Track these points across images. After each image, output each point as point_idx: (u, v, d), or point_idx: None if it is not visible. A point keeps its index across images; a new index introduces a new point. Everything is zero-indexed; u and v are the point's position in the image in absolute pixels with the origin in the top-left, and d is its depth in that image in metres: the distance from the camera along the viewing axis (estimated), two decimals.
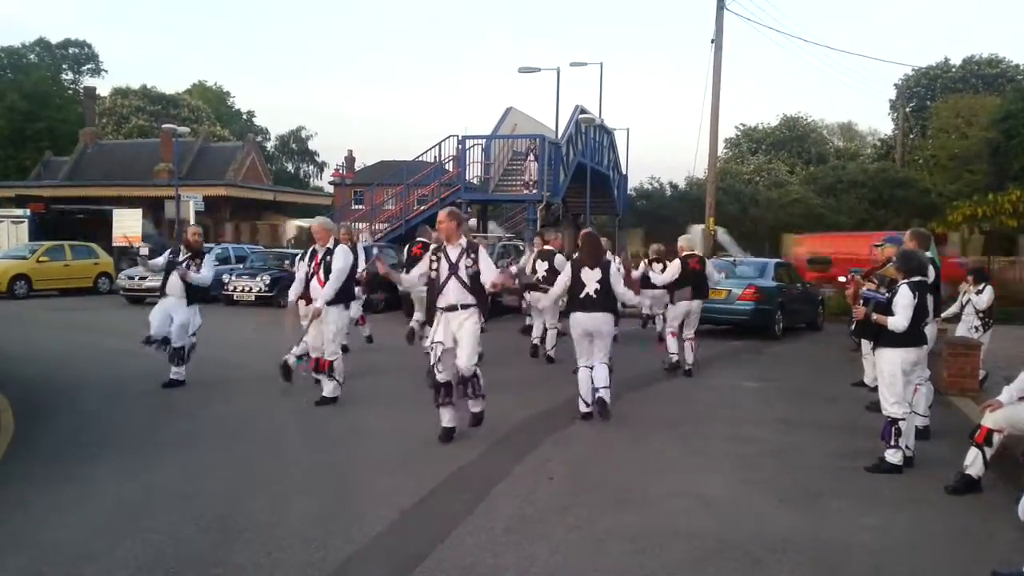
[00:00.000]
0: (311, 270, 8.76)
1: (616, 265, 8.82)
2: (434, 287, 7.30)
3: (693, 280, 11.32)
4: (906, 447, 6.62)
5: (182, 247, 9.97)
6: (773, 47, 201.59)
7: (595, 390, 8.18)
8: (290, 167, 74.21)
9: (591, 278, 8.25)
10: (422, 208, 24.76)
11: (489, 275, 7.24)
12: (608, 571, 4.59)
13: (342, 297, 8.84)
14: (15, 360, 11.60)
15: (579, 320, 8.29)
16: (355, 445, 7.32)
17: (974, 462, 5.99)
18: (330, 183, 59.27)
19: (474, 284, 7.22)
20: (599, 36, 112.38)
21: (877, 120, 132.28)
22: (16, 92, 52.13)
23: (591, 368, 8.27)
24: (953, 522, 5.54)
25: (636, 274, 11.53)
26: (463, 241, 7.33)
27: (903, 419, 6.54)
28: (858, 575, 4.67)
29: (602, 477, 6.41)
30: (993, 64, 48.10)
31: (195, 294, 9.92)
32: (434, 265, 7.30)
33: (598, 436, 7.78)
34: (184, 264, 9.74)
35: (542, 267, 12.11)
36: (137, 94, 59.60)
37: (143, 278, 21.57)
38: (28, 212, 29.40)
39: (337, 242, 8.99)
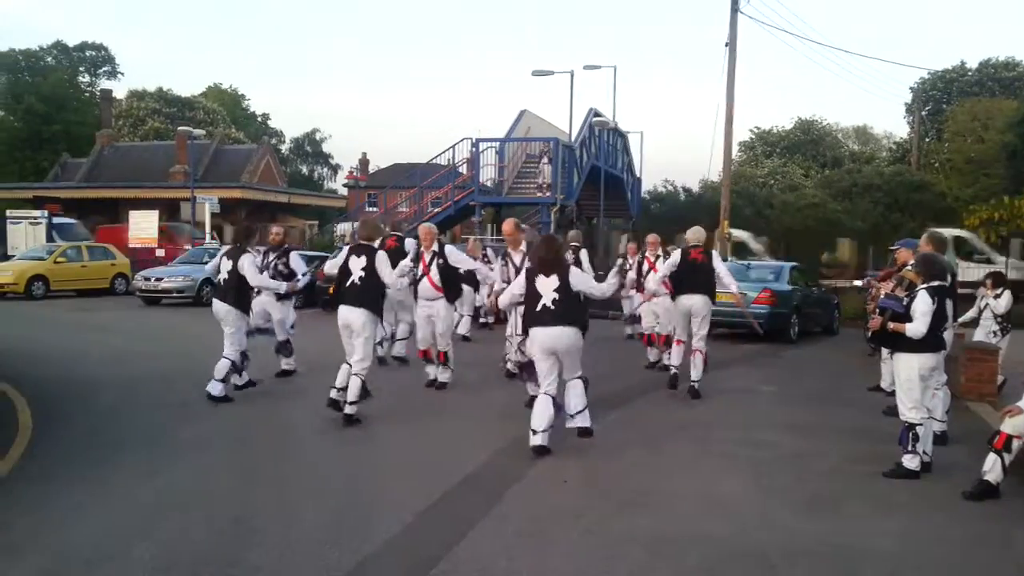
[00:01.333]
0: (421, 271, 9.65)
1: (586, 264, 9.31)
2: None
3: (693, 273, 9.77)
4: (923, 452, 6.57)
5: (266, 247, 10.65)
6: (787, 50, 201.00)
7: (571, 417, 7.31)
8: (304, 169, 74.51)
9: (547, 287, 7.08)
10: (436, 210, 24.80)
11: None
12: (623, 575, 4.58)
13: (453, 294, 10.03)
14: (33, 360, 11.67)
15: (537, 337, 7.12)
16: (369, 448, 7.33)
17: (993, 468, 5.95)
18: (344, 185, 59.55)
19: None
20: (613, 39, 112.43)
21: (893, 123, 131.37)
22: (33, 94, 52.52)
23: (551, 396, 7.09)
24: (971, 528, 5.49)
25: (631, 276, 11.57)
26: (524, 247, 9.00)
27: (920, 424, 6.50)
28: None
29: (616, 480, 6.40)
30: (1010, 67, 47.76)
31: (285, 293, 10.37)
32: (504, 271, 9.39)
33: (612, 439, 7.75)
34: (273, 264, 10.37)
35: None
36: (153, 97, 59.89)
37: (159, 279, 21.71)
38: (46, 213, 29.59)
39: (442, 244, 10.00)
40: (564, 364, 7.20)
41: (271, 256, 10.44)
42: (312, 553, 4.76)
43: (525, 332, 7.37)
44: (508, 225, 9.38)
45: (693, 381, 9.75)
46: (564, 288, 7.05)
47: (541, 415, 6.96)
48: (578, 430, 7.37)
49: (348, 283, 8.11)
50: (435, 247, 9.70)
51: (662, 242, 12.37)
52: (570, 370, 7.28)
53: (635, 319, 13.44)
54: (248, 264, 8.96)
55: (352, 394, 7.93)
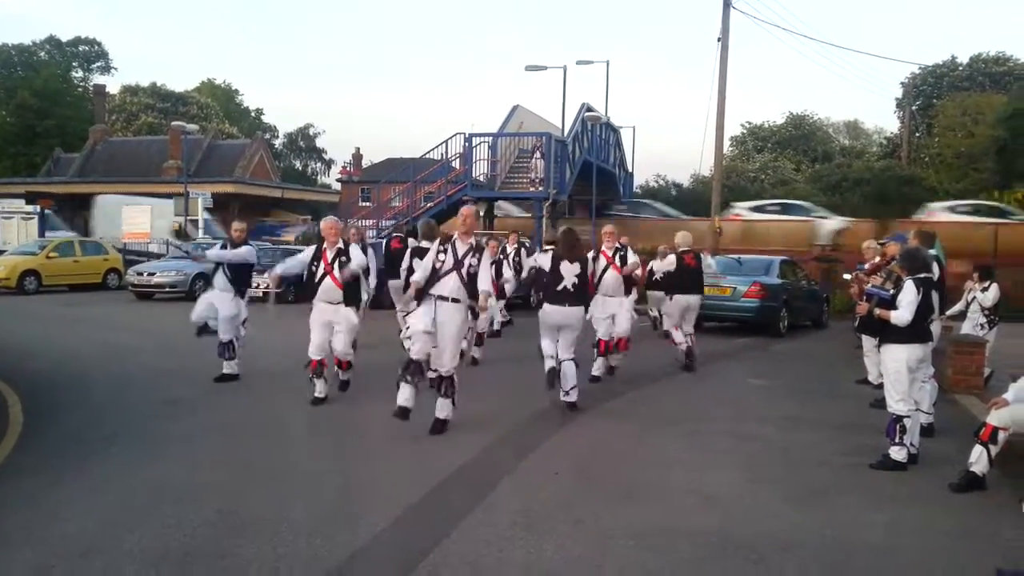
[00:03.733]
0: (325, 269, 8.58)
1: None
2: (434, 274, 7.43)
3: (689, 276, 11.35)
4: (911, 444, 6.63)
5: (230, 241, 10.06)
6: (779, 45, 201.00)
7: (565, 392, 8.46)
8: (298, 164, 74.30)
9: (570, 272, 8.42)
10: (429, 205, 24.77)
11: (484, 284, 7.41)
12: (613, 567, 4.62)
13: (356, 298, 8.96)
14: (25, 355, 11.66)
15: (549, 313, 8.49)
16: (360, 441, 7.35)
17: (979, 459, 6.01)
18: (337, 180, 59.36)
19: (471, 283, 7.39)
20: (605, 34, 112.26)
21: (883, 118, 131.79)
22: (27, 89, 52.32)
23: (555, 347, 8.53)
24: (958, 519, 5.54)
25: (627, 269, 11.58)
26: (472, 240, 7.57)
27: (908, 416, 6.56)
28: (863, 572, 4.69)
29: (607, 473, 6.43)
30: (1000, 62, 47.86)
31: (241, 286, 9.88)
32: (441, 256, 7.45)
33: (603, 432, 7.80)
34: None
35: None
36: (146, 92, 59.76)
37: (152, 274, 21.69)
38: (38, 208, 29.52)
39: (346, 242, 8.90)
40: (564, 337, 8.44)
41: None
42: (303, 545, 4.78)
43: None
44: (468, 210, 7.82)
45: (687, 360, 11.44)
46: (583, 274, 8.47)
47: (570, 376, 8.41)
48: (568, 404, 8.46)
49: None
50: (339, 244, 8.64)
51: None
52: (568, 348, 8.46)
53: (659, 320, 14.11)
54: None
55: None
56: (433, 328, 7.27)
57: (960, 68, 48.61)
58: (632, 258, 10.50)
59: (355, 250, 8.69)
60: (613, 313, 10.16)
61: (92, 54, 63.30)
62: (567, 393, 8.47)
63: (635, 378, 10.67)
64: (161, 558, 4.59)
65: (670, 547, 4.89)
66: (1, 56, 57.28)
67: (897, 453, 6.56)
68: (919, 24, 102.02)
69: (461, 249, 7.44)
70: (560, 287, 8.40)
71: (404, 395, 7.28)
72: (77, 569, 4.47)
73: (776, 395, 9.97)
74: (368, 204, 31.14)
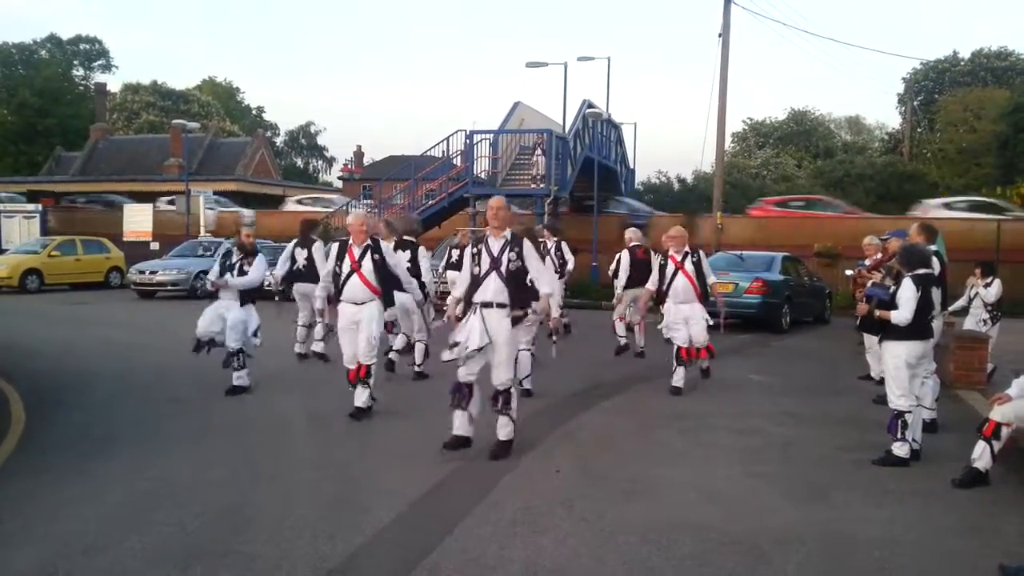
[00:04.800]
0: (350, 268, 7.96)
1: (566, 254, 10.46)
2: (474, 281, 6.70)
3: (640, 270, 11.70)
4: (913, 440, 6.62)
5: (235, 248, 9.37)
6: (780, 41, 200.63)
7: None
8: (299, 162, 74.29)
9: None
10: (430, 202, 24.75)
11: (544, 283, 6.69)
12: (615, 563, 4.62)
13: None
14: (27, 353, 11.68)
15: None
16: (362, 439, 7.35)
17: (982, 455, 6.00)
18: (339, 178, 59.46)
19: (516, 282, 6.61)
20: (607, 31, 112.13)
21: (885, 114, 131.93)
22: (27, 88, 52.30)
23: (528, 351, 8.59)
24: (960, 515, 5.54)
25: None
26: (508, 233, 6.68)
27: (909, 412, 6.55)
28: (864, 568, 4.68)
29: (608, 469, 6.43)
30: (1002, 57, 47.81)
31: (248, 293, 9.27)
32: (475, 259, 6.71)
33: (604, 428, 7.80)
34: (237, 265, 9.18)
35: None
36: (147, 90, 59.71)
37: (153, 272, 21.70)
38: (40, 207, 29.53)
39: (376, 239, 8.24)
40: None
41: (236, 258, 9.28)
42: (305, 543, 4.79)
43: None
44: (498, 201, 6.81)
45: (641, 347, 12.27)
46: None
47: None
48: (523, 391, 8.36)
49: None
50: (368, 240, 8.03)
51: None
52: (524, 335, 8.21)
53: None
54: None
55: (418, 356, 9.45)
56: (486, 342, 6.49)
57: (962, 63, 48.57)
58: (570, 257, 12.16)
59: (388, 248, 8.22)
60: (686, 317, 9.59)
61: (93, 52, 63.25)
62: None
63: (635, 375, 10.67)
64: (163, 556, 4.59)
65: (672, 543, 4.88)
66: (2, 55, 57.22)
67: (899, 449, 6.56)
68: (921, 19, 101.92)
69: (495, 246, 6.60)
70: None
71: (458, 423, 6.71)
72: (79, 567, 4.47)
73: (778, 391, 9.96)
74: (369, 201, 31.09)
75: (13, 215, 28.80)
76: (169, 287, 21.44)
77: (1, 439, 7.09)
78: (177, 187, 33.20)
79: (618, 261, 12.50)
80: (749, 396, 9.66)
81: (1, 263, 23.09)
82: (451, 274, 11.91)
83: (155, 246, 26.92)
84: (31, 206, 29.91)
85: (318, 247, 11.08)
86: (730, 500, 5.73)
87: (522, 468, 6.40)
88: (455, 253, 13.02)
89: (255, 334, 9.21)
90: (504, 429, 6.69)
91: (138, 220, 28.94)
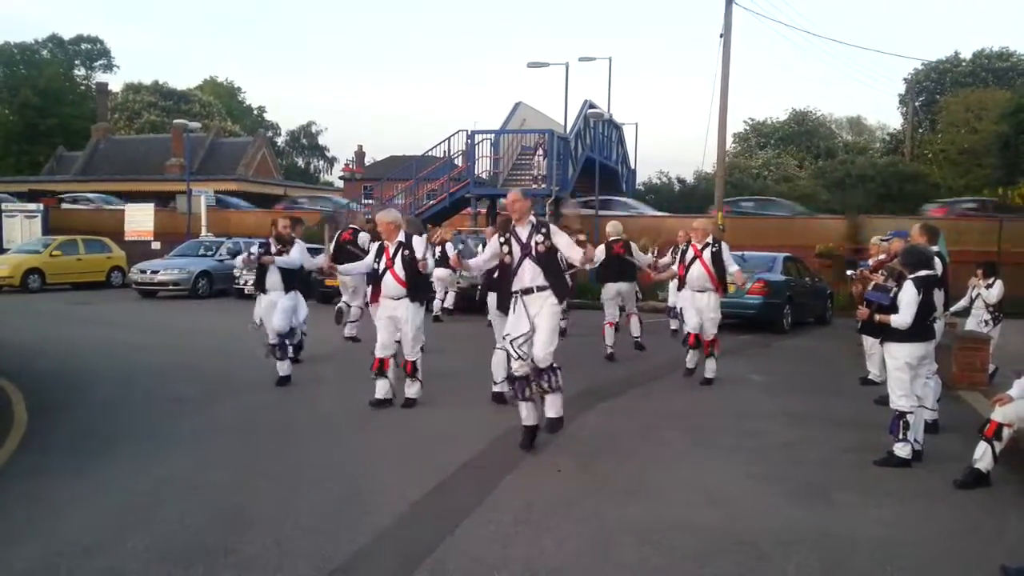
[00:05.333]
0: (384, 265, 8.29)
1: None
2: (507, 271, 6.93)
3: (617, 264, 11.71)
4: (914, 441, 6.62)
5: (271, 239, 9.88)
6: (782, 41, 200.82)
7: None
8: (300, 162, 74.27)
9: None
10: (431, 203, 24.78)
11: (571, 252, 6.87)
12: (615, 563, 4.62)
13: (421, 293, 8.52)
14: (28, 353, 11.68)
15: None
16: (364, 438, 7.36)
17: (983, 456, 6.00)
18: (340, 178, 59.33)
19: (548, 262, 6.83)
20: (608, 31, 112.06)
21: (886, 114, 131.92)
22: (29, 88, 52.35)
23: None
24: (961, 516, 5.54)
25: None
26: (532, 219, 6.96)
27: (911, 412, 6.55)
28: (866, 569, 4.68)
29: (610, 470, 6.43)
30: (1004, 58, 47.77)
31: (292, 282, 9.81)
32: (505, 248, 6.92)
33: (605, 429, 7.80)
34: (276, 253, 9.72)
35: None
36: (149, 90, 59.75)
37: (155, 272, 21.72)
38: (41, 207, 29.55)
39: (408, 235, 8.41)
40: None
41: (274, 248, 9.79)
42: (306, 543, 4.79)
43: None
44: (512, 195, 7.11)
45: (636, 337, 12.26)
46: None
47: (499, 366, 7.51)
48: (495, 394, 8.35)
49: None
50: (400, 237, 8.29)
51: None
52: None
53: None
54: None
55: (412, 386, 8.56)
56: (530, 328, 6.69)
57: (963, 64, 48.53)
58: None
59: (418, 243, 8.32)
60: (700, 308, 10.19)
61: (94, 52, 63.33)
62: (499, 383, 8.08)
63: (637, 375, 10.67)
64: (165, 555, 4.60)
65: (672, 543, 4.89)
66: (4, 54, 57.30)
67: (901, 450, 6.56)
68: (922, 19, 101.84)
69: (523, 234, 6.84)
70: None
71: (525, 414, 6.87)
72: (81, 566, 4.48)
73: (779, 392, 9.96)
74: (371, 201, 31.10)
75: (15, 214, 28.83)
76: (171, 287, 21.46)
77: (3, 439, 7.09)
78: (178, 187, 33.26)
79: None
80: (750, 396, 9.66)
81: (3, 262, 23.10)
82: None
83: (156, 245, 26.97)
84: (32, 205, 29.94)
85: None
86: (731, 500, 5.73)
87: (523, 468, 6.40)
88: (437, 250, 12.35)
89: (304, 321, 10.10)
90: (554, 407, 6.78)
91: (139, 220, 28.97)
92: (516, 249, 6.85)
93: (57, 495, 5.66)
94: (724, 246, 10.35)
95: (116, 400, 8.86)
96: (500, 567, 4.53)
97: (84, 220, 30.87)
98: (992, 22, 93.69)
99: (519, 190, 7.26)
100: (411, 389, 8.47)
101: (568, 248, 6.89)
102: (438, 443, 7.10)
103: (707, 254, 10.10)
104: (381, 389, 8.37)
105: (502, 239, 6.95)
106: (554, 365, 6.72)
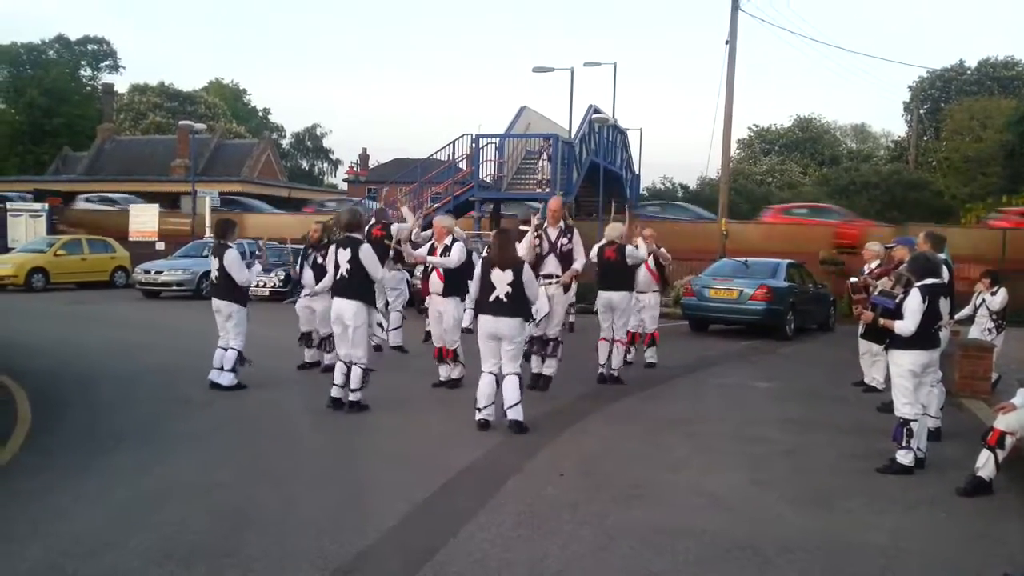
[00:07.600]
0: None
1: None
2: (538, 258, 9.13)
3: (609, 271, 10.09)
4: (918, 448, 6.61)
5: (307, 247, 10.62)
6: (787, 48, 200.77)
7: (505, 410, 7.58)
8: (305, 164, 74.41)
9: (501, 280, 7.58)
10: (435, 206, 24.77)
11: (577, 262, 9.42)
12: (617, 567, 4.62)
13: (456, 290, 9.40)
14: (33, 352, 11.70)
15: (485, 324, 7.67)
16: (367, 440, 7.36)
17: (986, 464, 6.00)
18: (344, 180, 59.44)
19: (566, 260, 9.31)
20: (613, 36, 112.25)
21: (891, 122, 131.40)
22: (35, 88, 52.46)
23: (495, 375, 7.66)
24: (964, 524, 5.54)
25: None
26: (562, 223, 9.36)
27: (915, 420, 6.54)
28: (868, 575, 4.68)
29: (612, 473, 6.44)
30: (1009, 66, 47.82)
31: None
32: (536, 241, 9.14)
33: (608, 433, 7.81)
34: (312, 257, 10.25)
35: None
36: (155, 91, 59.90)
37: (159, 272, 21.73)
38: (46, 206, 29.61)
39: (455, 237, 9.56)
40: (505, 351, 7.60)
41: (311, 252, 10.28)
42: (309, 544, 4.80)
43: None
44: (554, 202, 9.65)
45: (614, 370, 10.26)
46: (517, 284, 7.57)
47: (484, 393, 7.65)
48: (511, 423, 7.56)
49: (338, 276, 8.25)
50: (448, 240, 9.42)
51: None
52: (510, 362, 7.62)
53: None
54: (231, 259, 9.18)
55: (355, 382, 8.16)
56: (548, 308, 9.00)
57: (968, 72, 48.59)
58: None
59: (457, 246, 9.37)
60: (642, 307, 11.72)
61: (100, 53, 63.40)
62: (507, 410, 7.59)
63: (640, 380, 10.67)
64: (168, 555, 4.60)
65: (674, 548, 4.89)
66: (10, 55, 57.39)
67: (904, 457, 6.55)
68: (927, 28, 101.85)
69: (553, 234, 9.31)
70: (492, 297, 7.59)
71: (535, 366, 9.42)
72: (84, 566, 4.49)
73: (782, 398, 9.95)
74: (374, 204, 31.12)
75: (19, 213, 28.88)
76: (174, 287, 21.47)
77: (8, 438, 7.10)
78: (183, 188, 33.31)
79: None
80: (753, 402, 9.65)
81: (7, 262, 23.14)
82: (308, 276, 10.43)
83: (160, 246, 27.00)
84: (37, 205, 30.00)
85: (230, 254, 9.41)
86: (733, 506, 5.73)
87: (526, 471, 6.41)
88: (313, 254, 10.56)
89: (380, 325, 11.20)
90: (550, 368, 9.46)
91: (143, 220, 29.03)
92: (545, 244, 9.27)
93: (61, 494, 5.67)
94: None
95: (119, 400, 8.88)
96: (502, 570, 4.53)
97: (90, 220, 30.89)
98: (997, 31, 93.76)
99: (560, 198, 9.99)
100: (454, 371, 9.64)
101: (579, 254, 9.39)
102: (441, 445, 7.11)
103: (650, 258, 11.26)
104: (442, 372, 9.71)
105: (536, 235, 9.14)
106: (559, 339, 9.30)
